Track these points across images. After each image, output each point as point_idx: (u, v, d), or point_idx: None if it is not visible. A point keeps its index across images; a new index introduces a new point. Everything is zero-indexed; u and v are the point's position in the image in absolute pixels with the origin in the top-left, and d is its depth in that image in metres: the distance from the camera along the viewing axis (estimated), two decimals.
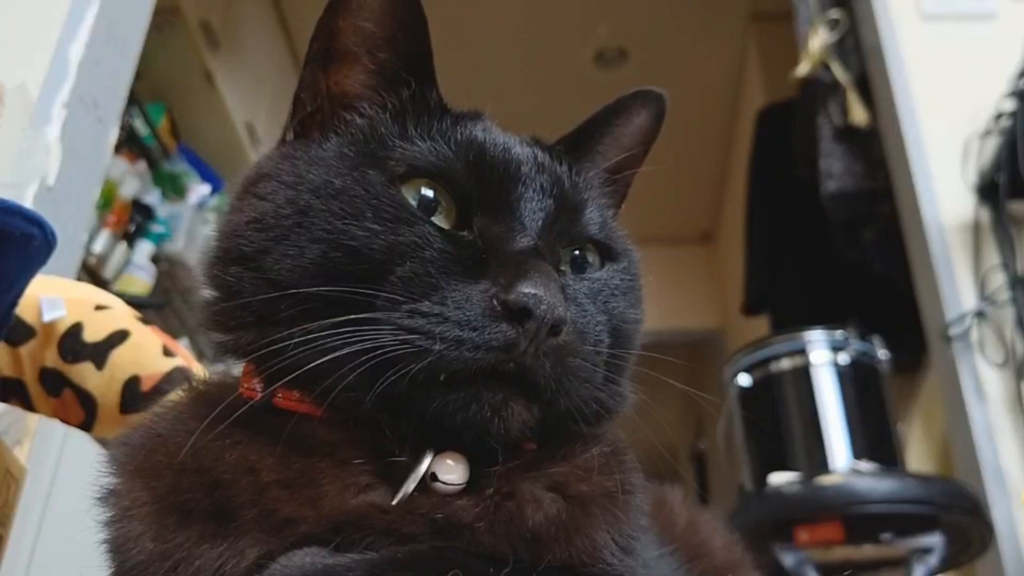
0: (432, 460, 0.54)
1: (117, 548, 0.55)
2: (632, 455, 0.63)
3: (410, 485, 0.53)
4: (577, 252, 0.62)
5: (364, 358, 0.51)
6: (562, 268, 0.60)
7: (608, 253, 0.64)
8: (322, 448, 0.55)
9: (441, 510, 0.53)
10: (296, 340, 0.53)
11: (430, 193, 0.57)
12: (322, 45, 0.62)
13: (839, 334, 2.10)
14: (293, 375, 0.53)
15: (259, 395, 0.57)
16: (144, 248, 2.67)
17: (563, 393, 0.55)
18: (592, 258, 0.63)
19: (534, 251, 0.56)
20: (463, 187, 0.58)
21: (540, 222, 0.58)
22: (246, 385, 0.58)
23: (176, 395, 0.62)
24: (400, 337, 0.51)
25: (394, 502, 0.53)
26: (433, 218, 0.56)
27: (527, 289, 0.51)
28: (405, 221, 0.55)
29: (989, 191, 2.04)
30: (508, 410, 0.53)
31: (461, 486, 0.54)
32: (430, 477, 0.54)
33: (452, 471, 0.54)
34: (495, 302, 0.51)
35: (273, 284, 0.55)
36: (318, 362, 0.52)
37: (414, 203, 0.56)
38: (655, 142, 0.71)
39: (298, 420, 0.56)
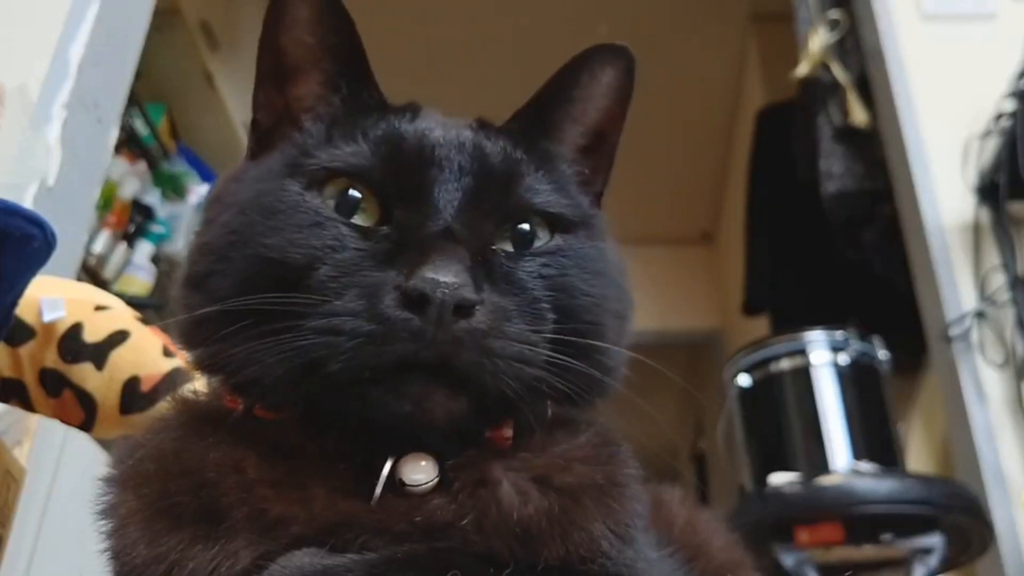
0: (399, 461, 0.54)
1: (116, 555, 0.55)
2: (625, 444, 0.62)
3: (378, 488, 0.53)
4: (524, 226, 0.59)
5: (292, 364, 0.52)
6: (494, 247, 0.58)
7: (558, 224, 0.61)
8: (304, 452, 0.55)
9: (418, 511, 0.53)
10: (237, 353, 0.55)
11: (352, 193, 0.58)
12: (270, 65, 0.63)
13: (839, 334, 2.10)
14: (244, 387, 0.56)
15: (240, 405, 0.58)
16: (144, 248, 2.67)
17: (491, 377, 0.52)
18: (541, 231, 0.60)
19: (444, 234, 0.55)
20: (379, 181, 0.58)
21: (456, 203, 0.57)
22: (228, 396, 0.60)
23: (164, 405, 0.63)
24: (317, 340, 0.52)
25: (372, 504, 0.53)
26: (355, 217, 0.57)
27: (426, 274, 0.50)
28: (320, 224, 0.56)
29: (989, 192, 2.04)
30: (429, 401, 0.52)
31: (430, 484, 0.54)
32: (399, 479, 0.54)
33: (420, 471, 0.54)
34: (397, 292, 0.51)
35: (216, 302, 0.57)
36: (254, 373, 0.54)
37: (333, 206, 0.57)
38: (631, 101, 0.67)
39: (279, 426, 0.56)
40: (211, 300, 0.57)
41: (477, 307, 0.52)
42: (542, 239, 0.60)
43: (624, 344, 0.63)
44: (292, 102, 0.63)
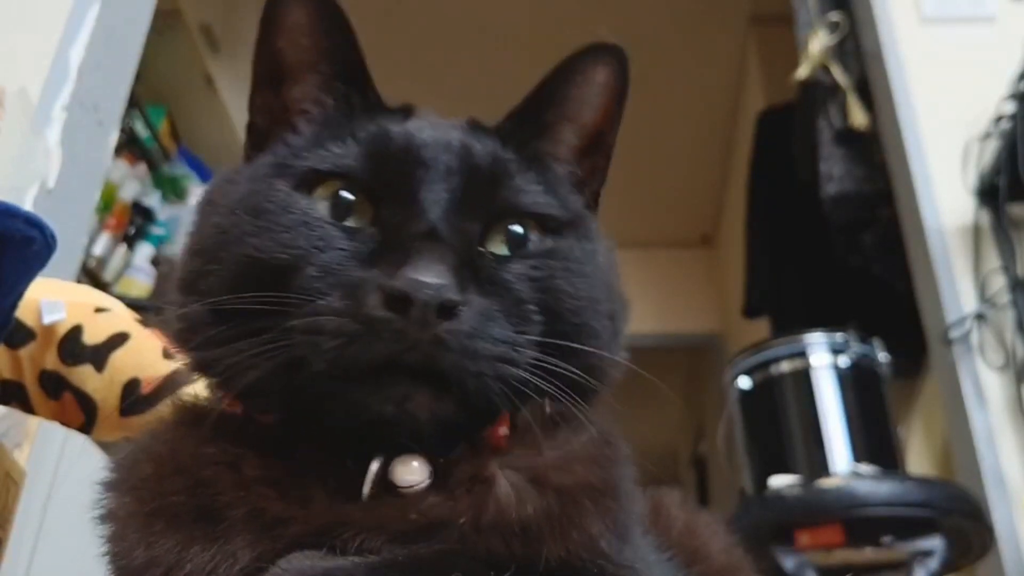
0: (391, 462, 0.54)
1: (115, 559, 0.55)
2: (623, 444, 0.61)
3: (366, 489, 0.53)
4: (516, 227, 0.59)
5: (275, 364, 0.52)
6: (481, 248, 0.58)
7: (548, 225, 0.60)
8: (301, 452, 0.55)
9: (414, 510, 0.52)
10: (225, 354, 0.55)
11: (344, 194, 0.58)
12: (267, 68, 0.63)
13: (839, 337, 2.10)
14: (235, 388, 0.56)
15: (240, 409, 0.58)
16: (144, 250, 2.67)
17: (474, 379, 0.52)
18: (533, 233, 0.59)
19: (429, 234, 0.54)
20: (368, 183, 0.58)
21: (443, 204, 0.56)
22: (226, 399, 0.60)
23: (162, 409, 0.63)
24: (300, 339, 0.52)
25: (365, 504, 0.53)
26: (349, 218, 0.57)
27: (408, 274, 0.50)
28: (307, 225, 0.56)
29: (989, 194, 2.04)
30: (411, 402, 0.52)
31: (423, 484, 0.54)
32: (387, 479, 0.54)
33: (412, 471, 0.54)
34: (380, 292, 0.51)
35: (206, 305, 0.57)
36: (241, 373, 0.54)
37: (325, 207, 0.57)
38: (626, 100, 0.66)
39: (274, 428, 0.56)
40: (201, 301, 0.57)
41: (460, 308, 0.51)
42: (533, 241, 0.59)
43: (617, 346, 0.63)
44: (289, 104, 0.63)
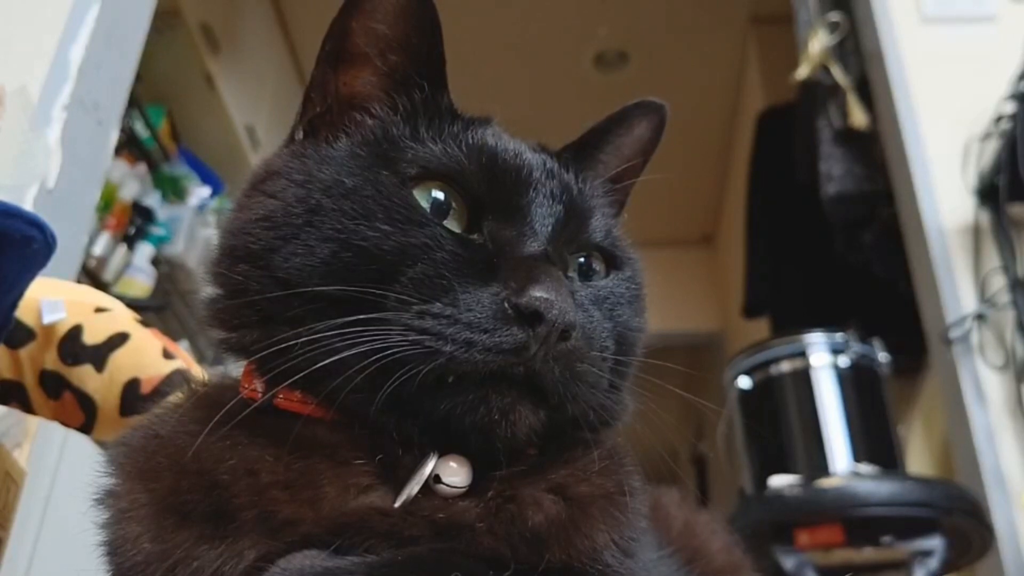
0: (436, 462, 0.55)
1: (115, 549, 0.55)
2: (631, 458, 0.63)
3: (414, 487, 0.54)
4: (583, 259, 0.63)
5: (372, 359, 0.51)
6: (570, 274, 0.61)
7: (613, 261, 0.65)
8: (322, 449, 0.55)
9: (443, 511, 0.53)
10: (303, 340, 0.53)
11: (441, 195, 0.57)
12: (334, 45, 0.62)
13: (839, 337, 2.10)
14: (299, 375, 0.53)
15: (260, 397, 0.57)
16: (144, 250, 2.66)
17: (570, 398, 0.55)
18: (598, 266, 0.64)
19: (544, 256, 0.56)
20: (475, 190, 0.58)
21: (550, 228, 0.59)
22: (247, 386, 0.58)
23: (176, 397, 0.62)
24: (410, 338, 0.51)
25: (397, 504, 0.53)
26: (445, 221, 0.57)
27: (539, 293, 0.52)
28: (416, 223, 0.55)
29: (989, 194, 2.04)
30: (516, 413, 0.53)
31: (463, 489, 0.55)
32: (433, 479, 0.54)
33: (456, 474, 0.55)
34: (506, 305, 0.52)
35: (281, 283, 0.55)
36: (325, 362, 0.52)
37: (426, 205, 0.57)
38: (654, 152, 0.72)
39: (303, 421, 0.55)
40: (273, 278, 0.55)
41: (575, 331, 0.54)
42: (599, 273, 0.63)
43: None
44: (341, 86, 0.63)
